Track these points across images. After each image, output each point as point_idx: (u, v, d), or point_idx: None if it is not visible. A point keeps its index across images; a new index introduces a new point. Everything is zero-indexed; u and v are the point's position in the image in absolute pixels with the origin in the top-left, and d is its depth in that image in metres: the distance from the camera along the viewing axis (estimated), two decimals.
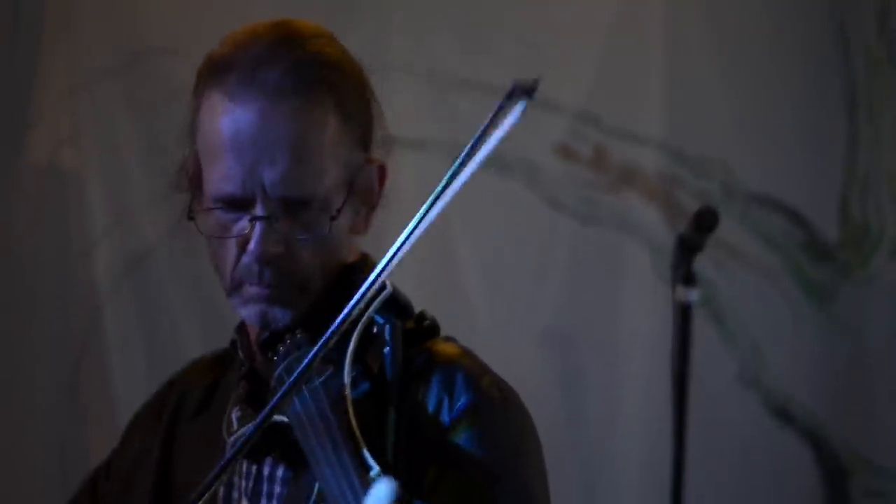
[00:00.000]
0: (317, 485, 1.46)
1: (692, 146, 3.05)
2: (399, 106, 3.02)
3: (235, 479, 1.59)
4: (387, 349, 1.52)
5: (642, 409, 2.95)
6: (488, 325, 3.03)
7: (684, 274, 1.29)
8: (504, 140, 1.36)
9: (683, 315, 1.29)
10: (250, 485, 1.58)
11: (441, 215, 3.09)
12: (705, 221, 1.27)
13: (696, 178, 3.06)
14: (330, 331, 1.42)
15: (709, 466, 3.01)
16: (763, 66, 3.04)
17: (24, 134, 3.10)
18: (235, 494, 1.59)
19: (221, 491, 1.59)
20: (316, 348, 1.42)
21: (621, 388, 3.00)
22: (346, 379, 1.47)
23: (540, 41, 3.03)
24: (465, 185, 3.17)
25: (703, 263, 3.14)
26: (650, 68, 3.04)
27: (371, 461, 1.40)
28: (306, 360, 1.42)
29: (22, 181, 3.08)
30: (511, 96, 1.38)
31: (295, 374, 1.43)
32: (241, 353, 1.63)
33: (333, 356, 1.49)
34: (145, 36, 3.06)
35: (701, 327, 3.02)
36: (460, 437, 1.53)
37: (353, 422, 1.43)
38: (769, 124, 3.05)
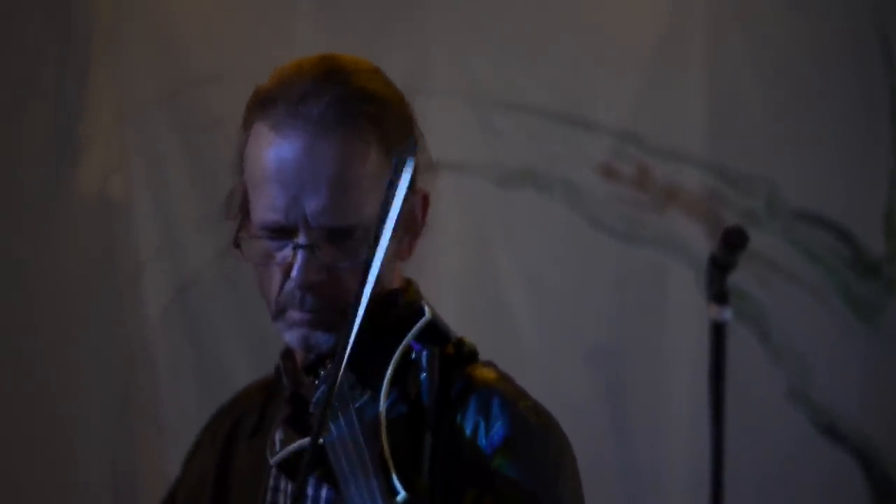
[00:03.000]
0: None
1: (735, 163, 3.05)
2: (441, 129, 3.05)
3: (280, 498, 1.63)
4: (423, 374, 1.55)
5: (687, 425, 2.95)
6: (533, 343, 3.04)
7: (717, 293, 1.30)
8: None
9: (717, 334, 1.29)
10: (290, 502, 1.62)
11: (483, 236, 3.11)
12: (734, 240, 1.27)
13: (740, 196, 3.06)
14: (344, 358, 1.45)
15: (756, 482, 3.00)
16: (806, 81, 3.04)
17: (73, 162, 3.15)
18: None
19: None
20: (342, 364, 1.45)
21: (666, 405, 3.00)
22: (382, 404, 1.49)
23: (581, 61, 3.04)
24: (506, 205, 3.18)
25: (748, 281, 3.16)
26: (692, 86, 3.04)
27: (398, 486, 1.43)
28: (333, 383, 1.45)
29: (72, 208, 3.13)
30: (397, 168, 1.43)
31: (319, 397, 1.48)
32: (284, 378, 1.66)
33: (372, 381, 1.52)
34: (190, 65, 3.10)
35: (748, 344, 3.02)
36: (498, 461, 1.55)
37: (386, 447, 1.46)
38: (813, 140, 3.04)
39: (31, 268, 3.11)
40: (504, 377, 1.64)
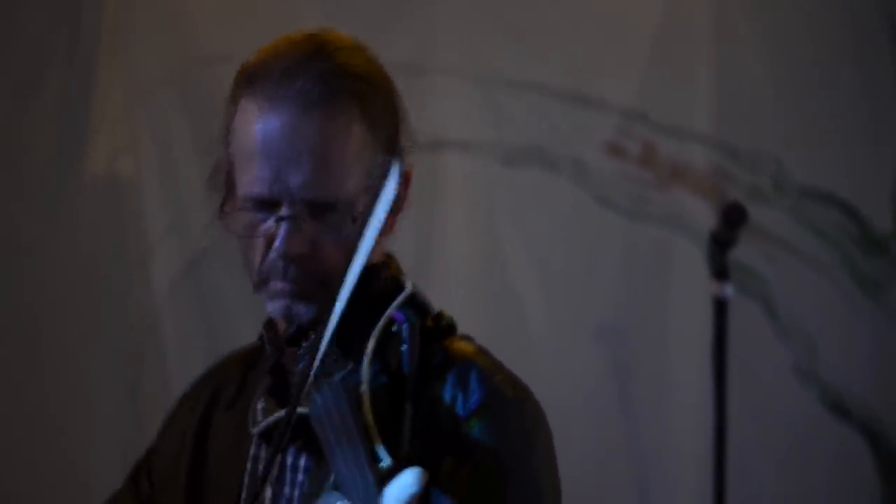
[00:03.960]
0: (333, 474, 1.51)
1: (742, 141, 3.05)
2: (447, 108, 3.07)
3: (262, 467, 1.66)
4: (404, 346, 1.59)
5: (694, 402, 2.96)
6: (539, 322, 3.05)
7: (717, 269, 1.31)
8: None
9: (719, 310, 1.31)
10: (275, 472, 1.65)
11: (490, 215, 3.13)
12: (733, 216, 1.29)
13: (747, 173, 3.06)
14: (328, 331, 1.49)
15: (764, 458, 3.01)
16: (812, 58, 3.04)
17: (84, 143, 3.17)
18: (260, 482, 1.66)
19: (246, 479, 1.67)
20: (325, 339, 1.48)
21: (673, 383, 3.01)
22: (363, 375, 1.53)
23: (587, 39, 3.04)
24: (512, 183, 3.19)
25: (755, 258, 3.17)
26: (699, 63, 3.04)
27: (383, 454, 1.46)
28: (319, 355, 1.50)
29: (82, 189, 3.15)
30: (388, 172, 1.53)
31: (311, 369, 1.50)
32: (268, 347, 1.69)
33: (354, 353, 1.57)
34: (199, 45, 3.12)
35: (755, 321, 3.03)
36: (474, 431, 1.59)
37: (369, 416, 1.50)
38: (820, 117, 3.04)
39: (43, 248, 3.14)
40: (482, 350, 1.68)
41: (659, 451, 3.02)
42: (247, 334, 3.16)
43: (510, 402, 1.62)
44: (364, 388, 1.52)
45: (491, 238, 3.06)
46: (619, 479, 3.03)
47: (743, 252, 3.10)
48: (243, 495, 1.66)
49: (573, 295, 3.05)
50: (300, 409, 1.53)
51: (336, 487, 1.48)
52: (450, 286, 3.04)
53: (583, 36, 3.05)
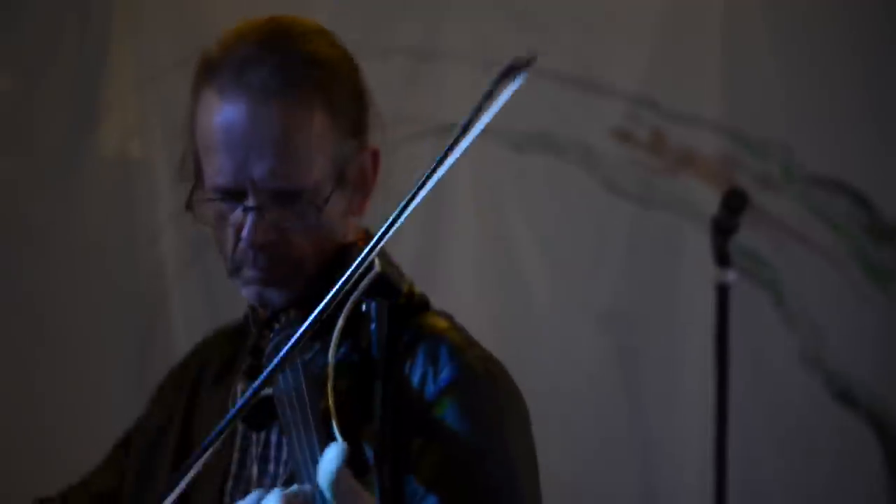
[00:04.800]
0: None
1: (751, 127, 3.05)
2: (454, 93, 3.07)
3: (251, 447, 1.68)
4: (372, 326, 1.59)
5: (700, 388, 2.95)
6: (547, 307, 3.05)
7: (720, 255, 1.31)
8: (498, 115, 1.39)
9: (721, 295, 1.31)
10: (260, 450, 1.67)
11: (498, 201, 3.12)
12: (734, 202, 1.29)
13: (756, 160, 3.05)
14: (315, 312, 1.48)
15: (770, 446, 3.01)
16: (822, 45, 3.03)
17: (94, 125, 3.18)
18: (248, 461, 1.68)
19: (236, 455, 1.69)
20: (302, 328, 1.49)
21: (679, 369, 3.01)
22: (330, 355, 1.53)
23: (596, 25, 3.04)
24: (521, 169, 3.19)
25: (763, 245, 3.15)
26: (708, 49, 3.03)
27: (337, 435, 1.45)
28: (293, 340, 1.48)
29: (92, 170, 3.16)
30: (508, 73, 1.44)
31: (281, 353, 1.49)
32: (252, 327, 1.71)
33: (323, 334, 1.56)
34: (210, 27, 3.10)
35: (762, 309, 3.03)
36: (444, 410, 1.58)
37: (330, 398, 1.49)
38: (830, 104, 3.03)
39: (53, 229, 3.15)
40: (454, 326, 1.67)
41: (664, 436, 3.03)
42: None
43: (481, 379, 1.61)
44: (330, 368, 1.51)
45: (499, 223, 3.06)
46: (623, 464, 3.03)
47: (751, 239, 3.11)
48: (231, 472, 1.67)
49: (580, 281, 3.05)
50: (266, 392, 1.53)
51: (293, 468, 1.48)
52: (458, 271, 3.04)
53: (592, 22, 3.04)
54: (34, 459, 3.11)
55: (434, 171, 1.46)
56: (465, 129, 1.46)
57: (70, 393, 3.12)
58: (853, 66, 3.03)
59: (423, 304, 1.66)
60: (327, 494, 1.38)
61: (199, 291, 3.10)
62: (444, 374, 1.59)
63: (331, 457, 1.38)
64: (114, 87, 3.17)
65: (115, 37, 3.16)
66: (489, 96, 1.46)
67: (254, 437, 1.67)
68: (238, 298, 3.11)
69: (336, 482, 1.38)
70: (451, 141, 1.46)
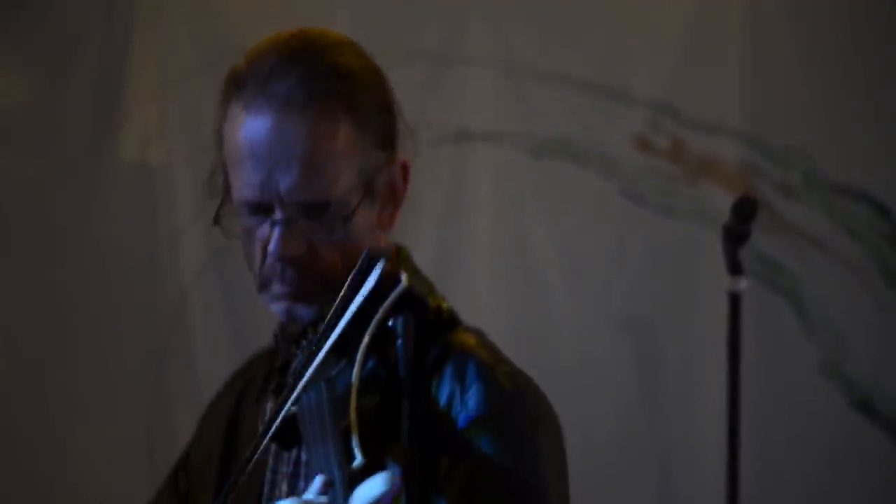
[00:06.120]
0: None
1: (773, 136, 3.04)
2: (476, 99, 3.07)
3: (282, 466, 1.67)
4: (399, 342, 1.55)
5: (718, 395, 2.94)
6: (566, 315, 3.05)
7: (731, 263, 1.30)
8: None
9: (733, 304, 1.30)
10: (290, 469, 1.66)
11: (518, 207, 3.12)
12: (744, 210, 1.28)
13: (777, 168, 3.04)
14: (338, 329, 1.49)
15: (791, 456, 3.00)
16: (844, 52, 3.02)
17: (115, 129, 3.19)
18: (279, 478, 1.67)
19: (269, 476, 1.67)
20: (325, 347, 1.48)
21: (697, 377, 3.00)
22: (355, 373, 1.51)
23: (618, 32, 3.04)
24: (540, 176, 3.18)
25: (784, 254, 3.13)
26: (730, 57, 3.03)
27: (357, 453, 1.44)
28: (316, 358, 1.48)
29: (113, 174, 3.17)
30: (366, 265, 1.49)
31: (305, 370, 1.49)
32: (280, 346, 1.70)
33: (349, 350, 1.55)
34: (230, 32, 3.13)
35: (783, 318, 3.02)
36: (471, 431, 1.57)
37: (353, 415, 1.48)
38: (851, 112, 3.02)
39: (73, 231, 3.16)
40: (484, 343, 1.65)
41: (682, 442, 3.02)
42: (271, 320, 3.18)
43: (509, 397, 1.59)
44: (355, 385, 1.49)
45: (518, 230, 3.05)
46: (642, 470, 3.03)
47: (771, 248, 3.10)
48: (265, 493, 1.66)
49: (600, 288, 3.05)
50: (293, 409, 1.52)
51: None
52: (476, 278, 3.04)
53: (613, 28, 3.04)
54: (53, 460, 3.12)
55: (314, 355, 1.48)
56: (358, 287, 1.48)
57: (88, 394, 3.13)
58: (875, 75, 3.02)
59: (451, 321, 1.62)
60: None
61: (218, 295, 3.11)
62: (472, 392, 1.58)
63: (376, 483, 1.36)
64: (135, 91, 3.18)
65: (136, 41, 3.17)
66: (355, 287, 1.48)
67: (285, 456, 1.67)
68: (257, 302, 3.11)
69: None
70: (344, 300, 1.49)
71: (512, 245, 3.05)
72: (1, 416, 3.13)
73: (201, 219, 3.13)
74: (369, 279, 1.51)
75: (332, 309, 1.52)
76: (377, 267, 1.52)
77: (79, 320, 3.14)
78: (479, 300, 2.98)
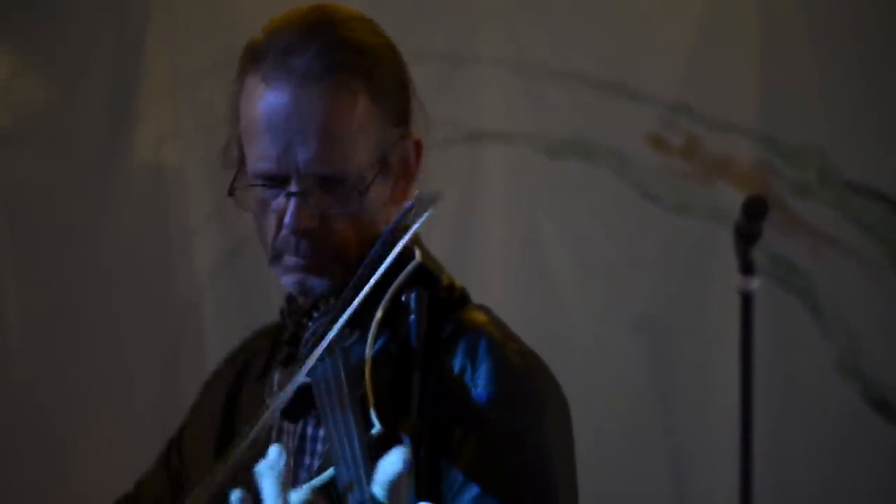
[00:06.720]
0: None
1: (787, 134, 3.03)
2: (489, 98, 3.07)
3: (284, 438, 1.68)
4: (412, 316, 1.58)
5: (732, 394, 2.93)
6: (580, 314, 3.05)
7: (743, 263, 1.30)
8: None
9: (745, 304, 1.30)
10: (295, 443, 1.67)
11: (531, 206, 3.12)
12: (753, 210, 1.28)
13: (792, 167, 3.04)
14: (357, 299, 1.49)
15: (806, 455, 2.99)
16: (859, 51, 3.01)
17: (130, 130, 3.20)
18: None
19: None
20: (344, 315, 1.49)
21: (711, 377, 3.00)
22: (368, 345, 1.52)
23: (631, 30, 3.03)
24: (554, 175, 3.18)
25: (799, 253, 3.13)
26: (743, 56, 3.02)
27: (375, 420, 1.45)
28: (334, 327, 1.49)
29: (128, 174, 3.18)
30: (415, 208, 1.51)
31: (322, 339, 1.50)
32: (287, 320, 1.71)
33: (362, 323, 1.56)
34: (245, 32, 3.12)
35: (798, 317, 3.01)
36: (482, 402, 1.58)
37: (369, 385, 1.49)
38: (866, 110, 3.02)
39: (89, 231, 3.17)
40: (494, 321, 1.67)
41: (695, 441, 3.01)
42: None
43: (519, 373, 1.61)
44: (368, 356, 1.51)
45: (531, 229, 3.05)
46: (655, 469, 3.02)
47: (786, 247, 3.10)
48: None
49: (613, 286, 3.05)
50: (304, 380, 1.53)
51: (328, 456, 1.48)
52: (490, 276, 3.04)
53: (627, 27, 3.03)
54: (66, 461, 3.13)
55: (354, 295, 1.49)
56: (380, 260, 1.50)
57: (101, 394, 3.13)
58: (889, 72, 3.01)
59: (463, 298, 1.65)
60: (379, 494, 1.37)
61: (232, 294, 3.12)
62: (483, 369, 1.59)
63: (394, 460, 1.36)
64: (149, 92, 3.19)
65: (150, 41, 3.18)
66: (400, 228, 1.50)
67: (289, 429, 1.67)
68: (271, 300, 3.11)
69: (395, 488, 1.37)
70: (366, 271, 1.50)
71: (525, 244, 3.05)
72: (14, 416, 3.14)
73: (215, 219, 3.14)
74: (415, 224, 1.52)
75: (363, 267, 1.53)
76: (430, 208, 1.52)
77: (92, 321, 3.15)
78: (492, 299, 2.97)
